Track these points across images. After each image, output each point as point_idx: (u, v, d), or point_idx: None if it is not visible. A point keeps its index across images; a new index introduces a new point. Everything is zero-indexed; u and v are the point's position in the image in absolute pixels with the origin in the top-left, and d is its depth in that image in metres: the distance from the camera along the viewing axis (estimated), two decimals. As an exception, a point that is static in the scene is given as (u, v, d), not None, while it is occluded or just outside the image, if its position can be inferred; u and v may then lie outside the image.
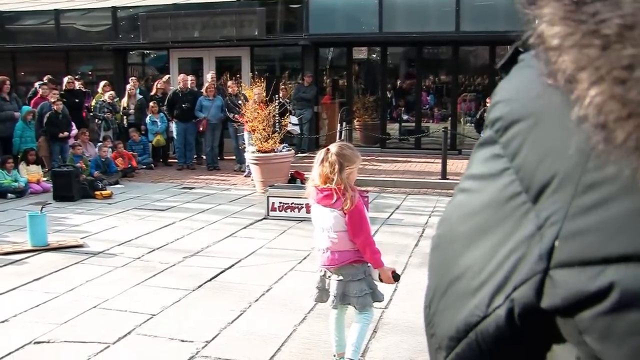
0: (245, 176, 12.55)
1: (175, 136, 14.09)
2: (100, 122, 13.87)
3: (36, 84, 14.06)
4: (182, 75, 14.28)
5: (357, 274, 3.87)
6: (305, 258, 6.86)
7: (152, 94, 14.74)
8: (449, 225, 0.73)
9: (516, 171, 0.64)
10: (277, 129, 11.59)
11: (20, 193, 10.96)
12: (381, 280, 3.94)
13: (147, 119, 14.27)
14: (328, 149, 3.92)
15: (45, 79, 14.04)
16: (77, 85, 14.42)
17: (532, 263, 0.60)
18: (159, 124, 14.24)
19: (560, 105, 0.60)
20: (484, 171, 0.69)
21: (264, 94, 11.67)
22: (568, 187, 0.59)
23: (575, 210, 0.58)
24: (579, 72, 0.56)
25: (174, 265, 6.72)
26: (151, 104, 14.26)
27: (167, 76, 15.71)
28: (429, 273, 0.75)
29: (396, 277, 3.96)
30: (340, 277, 3.89)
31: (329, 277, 3.97)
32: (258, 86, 11.76)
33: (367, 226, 3.86)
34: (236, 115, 12.44)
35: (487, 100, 14.04)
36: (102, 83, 14.59)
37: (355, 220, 3.80)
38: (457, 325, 0.67)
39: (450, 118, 15.40)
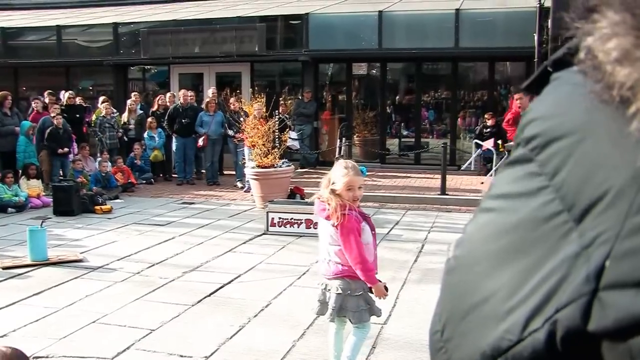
0: (244, 191, 12.57)
1: (174, 151, 14.13)
2: (98, 142, 13.89)
3: (32, 103, 14.09)
4: (182, 91, 14.35)
5: (356, 289, 3.92)
6: (304, 273, 6.86)
7: (153, 109, 14.79)
8: (470, 246, 0.69)
9: (556, 190, 0.61)
10: (277, 145, 11.63)
11: (20, 207, 10.97)
12: (370, 291, 3.99)
13: (145, 135, 14.32)
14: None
15: (45, 94, 14.11)
16: (78, 100, 14.48)
17: (578, 284, 0.57)
18: (157, 139, 14.28)
19: (611, 120, 0.58)
20: (515, 190, 0.65)
21: (264, 110, 11.72)
22: (621, 204, 0.56)
23: (630, 228, 0.55)
24: None
25: (173, 280, 6.73)
26: (149, 119, 14.31)
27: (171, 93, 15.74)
28: (442, 296, 0.71)
29: (385, 289, 4.03)
30: (339, 291, 3.94)
31: (329, 289, 4.02)
32: (258, 102, 11.82)
33: (355, 247, 3.84)
34: (236, 135, 12.49)
35: (486, 115, 14.09)
36: (101, 99, 14.62)
37: (344, 238, 3.86)
38: (482, 350, 0.62)
39: (449, 134, 15.45)
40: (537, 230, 0.61)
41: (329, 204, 3.90)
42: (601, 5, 0.60)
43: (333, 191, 3.90)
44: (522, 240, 0.62)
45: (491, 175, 11.82)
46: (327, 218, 3.92)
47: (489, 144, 10.12)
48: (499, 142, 10.14)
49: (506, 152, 10.17)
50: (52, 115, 12.70)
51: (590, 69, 0.60)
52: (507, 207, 0.66)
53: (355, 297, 3.92)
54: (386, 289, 4.01)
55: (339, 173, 3.92)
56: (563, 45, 0.68)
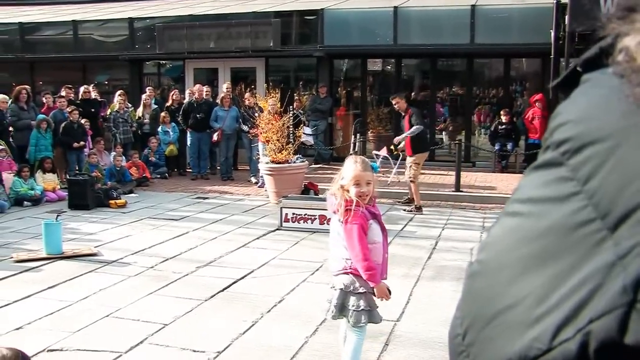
0: (258, 187, 12.58)
1: (189, 146, 14.18)
2: (112, 137, 13.96)
3: (43, 98, 14.16)
4: (197, 86, 14.37)
5: (360, 287, 3.80)
6: (317, 269, 6.86)
7: (168, 104, 14.85)
8: (495, 250, 0.67)
9: (589, 196, 0.59)
10: (291, 140, 11.62)
11: (36, 201, 11.06)
12: (373, 294, 3.87)
13: (159, 129, 14.37)
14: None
15: (62, 89, 14.19)
16: (93, 94, 14.55)
17: (615, 294, 0.55)
18: (171, 134, 14.33)
19: None
20: (544, 194, 0.63)
21: (279, 105, 11.72)
22: None
23: None
24: None
25: (186, 275, 6.75)
26: (162, 114, 14.35)
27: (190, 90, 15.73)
28: (465, 300, 0.70)
29: (388, 291, 3.90)
30: (342, 286, 3.84)
31: (334, 287, 3.93)
32: (272, 97, 11.82)
33: (358, 244, 3.74)
34: (251, 130, 12.51)
35: (502, 112, 14.01)
36: (118, 92, 14.65)
37: (347, 236, 3.79)
38: (508, 357, 0.61)
39: (464, 130, 15.37)
40: (568, 237, 0.59)
41: (336, 198, 3.87)
42: None
43: (342, 186, 3.86)
44: (551, 247, 0.61)
45: (392, 181, 11.99)
46: (335, 213, 3.89)
47: (383, 151, 10.78)
48: (392, 147, 10.88)
49: (400, 154, 10.97)
50: (69, 110, 12.78)
51: (628, 71, 0.57)
52: (535, 211, 0.64)
53: (357, 295, 3.80)
54: (389, 291, 3.89)
55: (348, 168, 3.87)
56: (594, 45, 0.65)
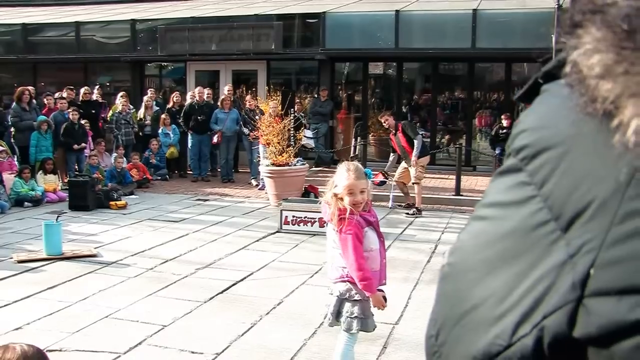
0: (259, 189, 12.59)
1: (190, 148, 14.19)
2: (114, 138, 13.98)
3: (44, 99, 14.15)
4: (198, 88, 14.39)
5: (356, 294, 3.77)
6: (316, 272, 6.87)
7: (169, 106, 14.86)
8: (463, 254, 0.71)
9: (544, 199, 0.63)
10: (292, 143, 11.63)
11: (37, 202, 11.08)
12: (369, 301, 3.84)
13: (160, 131, 14.38)
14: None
15: (64, 91, 14.20)
16: (95, 96, 14.56)
17: (565, 291, 0.59)
18: (172, 136, 14.35)
19: (595, 133, 0.60)
20: (507, 199, 0.67)
21: (280, 108, 11.73)
22: (605, 215, 0.58)
23: (614, 238, 0.57)
24: (625, 99, 0.57)
25: (186, 276, 6.76)
26: (163, 116, 14.35)
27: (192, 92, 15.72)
28: (437, 302, 0.73)
29: (384, 300, 3.87)
30: (339, 294, 3.81)
31: (332, 294, 3.89)
32: (274, 100, 11.83)
33: (353, 253, 3.67)
34: (251, 133, 12.53)
35: (503, 117, 14.03)
36: (120, 94, 14.65)
37: (342, 245, 3.72)
38: (473, 355, 0.64)
39: (465, 134, 15.38)
40: (527, 238, 0.64)
41: (330, 207, 3.78)
42: (585, 21, 0.62)
43: (335, 195, 3.76)
44: (512, 248, 0.65)
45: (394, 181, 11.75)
46: (330, 222, 3.81)
47: (378, 177, 11.02)
48: (384, 171, 11.51)
49: (389, 178, 11.32)
50: (69, 111, 12.81)
51: (575, 82, 0.62)
52: (498, 215, 0.68)
53: (352, 302, 3.77)
54: (385, 299, 3.84)
55: (341, 176, 3.77)
56: (554, 57, 0.69)
